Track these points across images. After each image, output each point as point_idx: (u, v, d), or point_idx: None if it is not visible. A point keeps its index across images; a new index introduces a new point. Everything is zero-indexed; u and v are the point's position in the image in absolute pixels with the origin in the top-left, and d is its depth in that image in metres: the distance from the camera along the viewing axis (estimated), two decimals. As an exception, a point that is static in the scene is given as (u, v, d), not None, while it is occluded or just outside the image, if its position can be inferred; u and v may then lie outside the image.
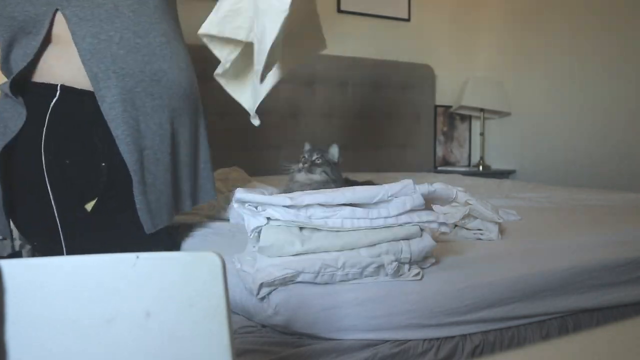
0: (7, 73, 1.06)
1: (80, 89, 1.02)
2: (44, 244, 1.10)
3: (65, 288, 0.47)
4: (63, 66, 1.02)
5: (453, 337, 0.92)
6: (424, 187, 0.97)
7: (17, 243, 2.18)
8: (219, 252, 0.50)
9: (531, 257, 1.09)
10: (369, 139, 3.12)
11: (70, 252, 1.02)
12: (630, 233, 1.27)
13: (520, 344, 0.99)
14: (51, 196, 1.00)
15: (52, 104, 1.00)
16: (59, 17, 1.00)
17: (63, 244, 1.03)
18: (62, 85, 1.01)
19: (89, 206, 1.00)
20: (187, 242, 1.28)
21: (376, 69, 3.12)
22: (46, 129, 1.00)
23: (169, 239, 1.23)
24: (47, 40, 1.01)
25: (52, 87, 1.01)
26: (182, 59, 1.15)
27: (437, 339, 0.91)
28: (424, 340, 0.89)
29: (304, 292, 0.86)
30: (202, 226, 1.40)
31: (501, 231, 1.22)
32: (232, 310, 0.56)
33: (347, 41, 3.12)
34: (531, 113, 3.24)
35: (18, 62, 1.02)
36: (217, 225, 1.41)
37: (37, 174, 1.00)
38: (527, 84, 3.25)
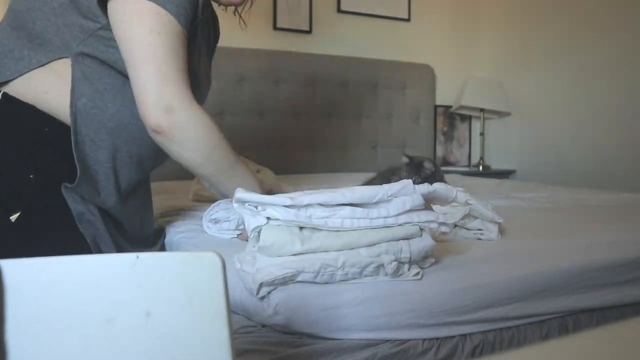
0: None
1: (28, 104, 0.98)
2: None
3: (65, 288, 0.47)
4: (37, 91, 0.99)
5: (453, 336, 0.92)
6: (424, 187, 0.97)
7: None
8: (219, 252, 0.50)
9: (531, 257, 1.09)
10: (368, 139, 3.13)
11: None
12: (630, 233, 1.27)
13: (520, 343, 0.99)
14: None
15: None
16: (67, 62, 1.00)
17: None
18: (4, 93, 0.98)
19: (14, 217, 0.95)
20: (187, 242, 1.28)
21: (376, 69, 3.12)
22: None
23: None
24: (40, 64, 1.00)
25: None
26: (157, 147, 1.08)
27: (437, 338, 0.91)
28: (424, 340, 0.89)
29: (304, 291, 0.86)
30: (202, 226, 1.40)
31: (501, 231, 1.23)
32: (232, 310, 0.56)
33: (347, 41, 3.12)
34: (531, 113, 3.24)
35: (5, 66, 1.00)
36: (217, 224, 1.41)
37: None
38: (527, 84, 3.25)
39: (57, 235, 1.00)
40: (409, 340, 0.88)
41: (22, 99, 0.99)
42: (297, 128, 2.90)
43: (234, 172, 1.07)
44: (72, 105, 0.99)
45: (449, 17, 3.48)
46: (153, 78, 0.92)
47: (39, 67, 1.00)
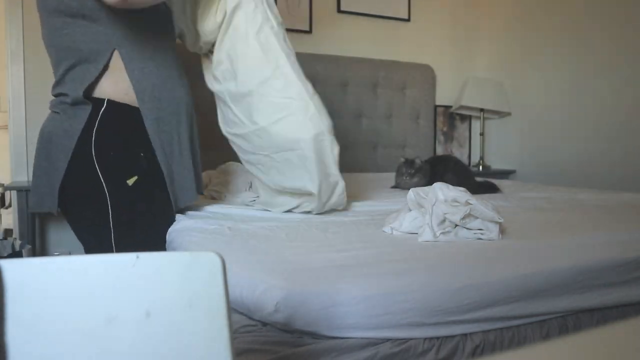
0: (58, 90, 1.40)
1: (123, 103, 1.38)
2: (93, 219, 1.38)
3: (65, 288, 0.47)
4: (111, 87, 1.37)
5: (453, 336, 0.92)
6: None
7: (17, 243, 2.18)
8: (219, 252, 0.50)
9: (531, 257, 1.09)
10: (368, 139, 3.12)
11: (116, 220, 1.35)
12: (630, 233, 1.27)
13: (520, 343, 0.99)
14: (101, 177, 1.33)
15: (102, 111, 1.35)
16: (116, 53, 1.36)
17: (110, 214, 1.34)
18: (108, 99, 1.36)
19: (130, 181, 1.36)
20: (187, 242, 1.28)
21: (376, 69, 3.12)
22: (95, 130, 1.34)
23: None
24: (104, 68, 1.35)
25: (101, 101, 1.36)
26: (187, 87, 1.54)
27: (438, 338, 0.91)
28: (425, 339, 0.90)
29: (305, 290, 0.87)
30: (202, 226, 1.40)
31: (501, 231, 1.23)
32: (232, 307, 0.56)
33: (347, 41, 3.13)
34: (531, 113, 3.24)
35: (76, 83, 1.34)
36: (217, 225, 1.41)
37: (88, 162, 1.33)
38: (527, 84, 3.25)
39: (162, 195, 1.43)
40: (410, 339, 0.89)
41: (116, 100, 1.37)
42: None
43: None
44: (130, 79, 1.37)
45: (449, 17, 3.48)
46: None
47: (104, 71, 1.35)
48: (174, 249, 1.34)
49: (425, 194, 1.28)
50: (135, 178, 1.36)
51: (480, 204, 1.20)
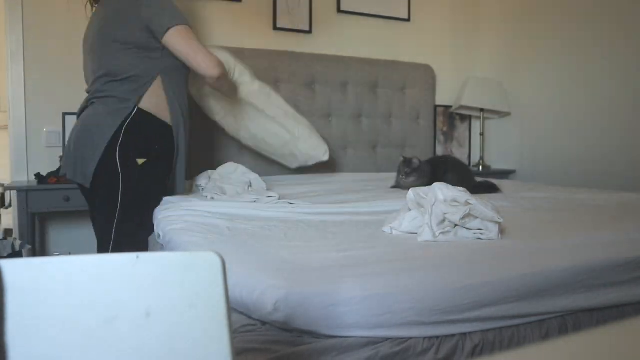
0: (109, 88, 1.85)
1: (150, 113, 1.83)
2: (106, 189, 1.79)
3: (65, 288, 0.47)
4: (153, 103, 1.84)
5: (453, 335, 0.93)
6: None
7: (17, 243, 2.18)
8: (219, 252, 0.50)
9: (531, 256, 1.09)
10: (368, 139, 3.12)
11: (125, 191, 1.77)
12: (630, 233, 1.27)
13: (520, 343, 0.99)
14: (117, 156, 1.76)
15: (132, 116, 1.80)
16: (159, 77, 1.86)
17: (120, 186, 1.76)
18: (139, 108, 1.81)
19: (140, 161, 1.79)
20: (187, 242, 1.28)
21: (376, 69, 3.12)
22: (125, 127, 1.78)
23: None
24: (148, 87, 1.84)
25: (133, 109, 1.81)
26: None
27: (437, 337, 0.91)
28: (424, 338, 0.90)
29: (304, 289, 0.87)
30: (202, 226, 1.40)
31: (501, 231, 1.23)
32: (232, 307, 0.56)
33: (347, 41, 3.13)
34: (531, 113, 3.24)
35: (128, 93, 1.82)
36: (217, 225, 1.41)
37: (114, 150, 1.76)
38: (527, 84, 3.25)
39: (166, 179, 1.91)
40: (410, 339, 0.89)
41: (145, 110, 1.82)
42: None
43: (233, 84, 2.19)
44: (168, 97, 1.87)
45: (449, 17, 3.48)
46: (204, 56, 1.83)
47: (148, 90, 1.83)
48: (173, 249, 1.34)
49: (425, 194, 1.28)
50: (144, 160, 1.79)
51: (480, 204, 1.20)
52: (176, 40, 1.79)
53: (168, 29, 1.78)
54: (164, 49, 1.83)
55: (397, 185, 2.38)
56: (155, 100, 1.83)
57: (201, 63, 1.80)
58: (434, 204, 1.21)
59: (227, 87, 2.09)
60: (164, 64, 1.85)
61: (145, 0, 1.80)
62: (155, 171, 1.84)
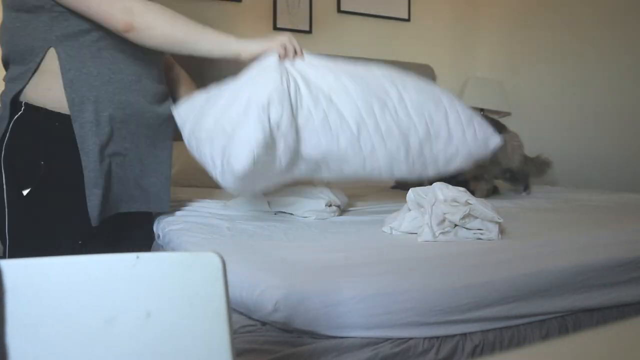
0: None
1: (43, 108, 1.26)
2: None
3: (65, 288, 0.47)
4: (42, 93, 1.27)
5: (453, 336, 0.93)
6: None
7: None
8: (219, 252, 0.50)
9: (531, 257, 1.09)
10: (369, 139, 3.12)
11: (12, 228, 1.26)
12: (630, 233, 1.27)
13: (520, 343, 0.99)
14: (4, 180, 1.26)
15: (17, 117, 1.26)
16: (51, 52, 1.25)
17: (6, 219, 1.26)
18: (26, 103, 1.26)
19: (24, 192, 1.25)
20: (187, 242, 1.28)
21: (376, 69, 3.11)
22: (9, 134, 1.26)
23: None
24: (35, 70, 1.26)
25: (20, 104, 1.27)
26: (152, 95, 1.41)
27: (437, 338, 0.91)
28: (424, 339, 0.90)
29: (304, 289, 0.87)
30: (202, 226, 1.40)
31: (501, 231, 1.23)
32: (231, 307, 0.56)
33: (347, 41, 3.12)
34: (531, 113, 3.24)
35: (10, 83, 1.28)
36: (217, 225, 1.41)
37: None
38: (527, 84, 3.25)
39: (58, 202, 1.28)
40: (410, 339, 0.89)
41: (35, 104, 1.26)
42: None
43: (205, 31, 1.28)
44: (65, 78, 1.25)
45: (449, 17, 3.48)
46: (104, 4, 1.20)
47: (35, 72, 1.26)
48: (172, 249, 1.34)
49: (425, 193, 1.28)
50: (28, 190, 1.25)
51: (479, 203, 1.20)
52: None
53: None
54: (55, 7, 1.22)
55: (397, 185, 2.38)
56: (44, 87, 1.26)
57: (107, 8, 1.20)
58: (433, 204, 1.21)
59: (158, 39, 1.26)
60: (56, 32, 1.24)
61: None
62: (50, 200, 1.27)
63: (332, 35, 3.10)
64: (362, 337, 0.86)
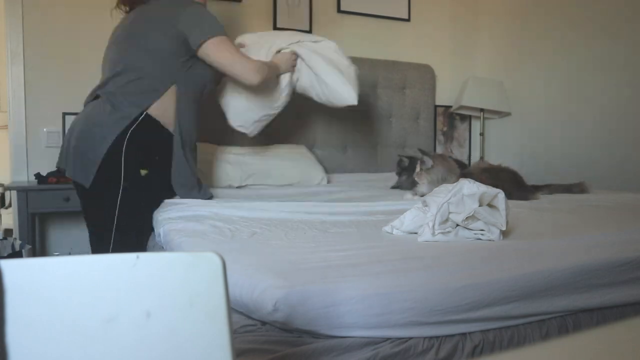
0: (119, 90, 1.79)
1: (157, 121, 1.78)
2: (107, 194, 1.73)
3: (65, 288, 0.47)
4: (163, 111, 1.80)
5: (453, 335, 0.92)
6: None
7: (17, 243, 2.18)
8: (219, 252, 0.50)
9: (531, 257, 1.09)
10: (368, 139, 3.12)
11: (124, 199, 1.72)
12: (630, 233, 1.27)
13: (520, 343, 0.99)
14: (122, 165, 1.71)
15: (139, 121, 1.75)
16: (174, 86, 1.81)
17: (120, 193, 1.71)
18: (146, 114, 1.76)
19: (143, 172, 1.76)
20: (187, 242, 1.28)
21: (376, 69, 3.12)
22: (131, 131, 1.73)
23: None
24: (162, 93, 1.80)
25: (141, 114, 1.76)
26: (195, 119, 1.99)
27: (437, 337, 0.91)
28: (424, 338, 0.90)
29: (305, 288, 0.87)
30: (202, 226, 1.40)
31: (502, 231, 1.23)
32: (231, 307, 0.56)
33: (347, 41, 3.12)
34: (531, 113, 3.24)
35: (139, 93, 1.77)
36: (217, 225, 1.41)
37: (117, 153, 1.71)
38: (527, 84, 3.25)
39: (163, 188, 1.85)
40: (410, 339, 0.89)
41: (154, 117, 1.77)
42: (297, 128, 2.90)
43: (269, 66, 1.97)
44: (176, 109, 1.82)
45: (449, 17, 3.48)
46: (242, 66, 1.84)
47: (160, 97, 1.78)
48: (172, 250, 1.34)
49: (441, 191, 1.27)
50: (146, 171, 1.76)
51: (486, 211, 1.19)
52: (214, 51, 1.77)
53: (207, 38, 1.76)
54: (189, 60, 1.80)
55: (398, 186, 2.38)
56: (164, 108, 1.78)
57: (240, 73, 1.81)
58: (447, 200, 1.19)
59: (271, 77, 2.01)
60: (183, 75, 1.80)
61: (185, 8, 1.77)
62: (156, 181, 1.80)
63: (332, 35, 3.09)
64: (362, 337, 0.86)
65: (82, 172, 1.73)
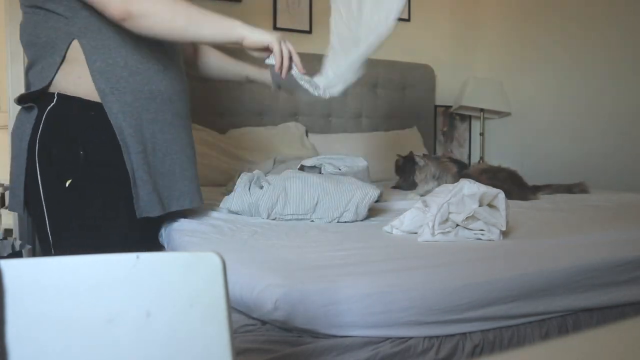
0: (26, 86, 1.33)
1: (77, 98, 1.24)
2: (34, 217, 1.28)
3: (65, 288, 0.47)
4: (73, 81, 1.24)
5: (453, 335, 0.92)
6: None
7: (17, 243, 2.18)
8: (219, 252, 0.50)
9: (531, 256, 1.09)
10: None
11: (52, 221, 1.23)
12: (630, 233, 1.27)
13: (520, 343, 0.99)
14: (38, 174, 1.22)
15: (49, 107, 1.23)
16: (75, 44, 1.23)
17: (45, 214, 1.22)
18: (58, 94, 1.23)
19: (67, 182, 1.22)
20: (187, 242, 1.28)
21: (376, 69, 3.12)
22: (42, 126, 1.22)
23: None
24: (61, 61, 1.23)
25: (51, 95, 1.24)
26: (179, 83, 1.40)
27: (437, 337, 0.91)
28: (424, 338, 0.90)
29: (305, 287, 0.87)
30: (202, 225, 1.40)
31: (502, 231, 1.23)
32: (231, 306, 0.56)
33: (347, 41, 3.12)
34: (531, 113, 3.24)
35: (36, 78, 1.26)
36: (217, 225, 1.41)
37: (31, 159, 1.23)
38: (527, 84, 3.25)
39: (100, 193, 1.25)
40: (410, 338, 0.89)
41: (68, 94, 1.24)
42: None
43: (207, 15, 1.24)
44: (91, 69, 1.23)
45: (449, 17, 3.48)
46: None
47: (62, 63, 1.23)
48: (173, 249, 1.34)
49: (443, 191, 1.27)
50: (70, 180, 1.21)
51: (486, 212, 1.19)
52: None
53: None
54: (71, 1, 1.21)
55: (398, 186, 2.39)
56: (75, 75, 1.24)
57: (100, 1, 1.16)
58: (447, 200, 1.19)
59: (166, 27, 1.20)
60: (78, 25, 1.22)
61: None
62: (92, 190, 1.24)
63: (332, 35, 3.10)
64: (362, 336, 0.86)
65: (13, 198, 1.30)
